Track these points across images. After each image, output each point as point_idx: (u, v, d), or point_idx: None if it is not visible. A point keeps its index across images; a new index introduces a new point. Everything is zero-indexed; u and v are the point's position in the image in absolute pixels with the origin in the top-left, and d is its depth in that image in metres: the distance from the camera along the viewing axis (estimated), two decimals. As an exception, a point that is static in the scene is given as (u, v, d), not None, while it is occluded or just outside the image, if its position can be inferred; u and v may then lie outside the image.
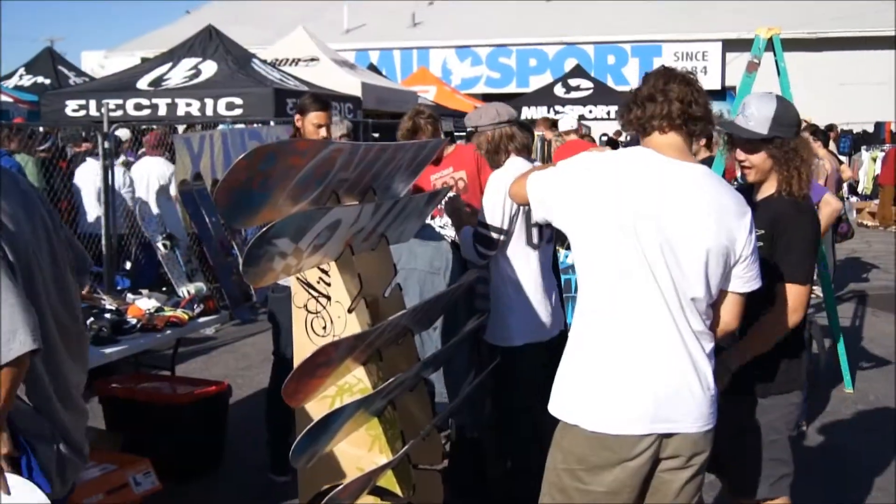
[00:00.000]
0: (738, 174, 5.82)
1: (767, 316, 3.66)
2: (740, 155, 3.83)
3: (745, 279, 3.17)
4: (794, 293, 3.66)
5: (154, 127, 11.76)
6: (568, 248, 3.25)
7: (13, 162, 8.45)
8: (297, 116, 5.58)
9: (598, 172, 3.09)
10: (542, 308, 4.71)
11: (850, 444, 6.39)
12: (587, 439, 3.07)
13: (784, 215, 3.71)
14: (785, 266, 3.66)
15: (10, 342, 2.77)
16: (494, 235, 4.56)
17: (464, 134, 15.17)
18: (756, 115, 3.73)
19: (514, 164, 4.72)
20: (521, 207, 4.52)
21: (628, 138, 16.26)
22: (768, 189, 3.81)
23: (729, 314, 3.24)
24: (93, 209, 9.58)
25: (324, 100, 5.64)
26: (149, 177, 10.59)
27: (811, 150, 3.85)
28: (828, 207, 6.07)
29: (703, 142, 6.76)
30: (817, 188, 6.05)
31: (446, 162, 6.36)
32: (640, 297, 3.00)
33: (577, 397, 3.11)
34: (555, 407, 3.20)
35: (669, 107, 3.08)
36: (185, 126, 12.06)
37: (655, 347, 3.01)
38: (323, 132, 5.48)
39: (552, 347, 4.77)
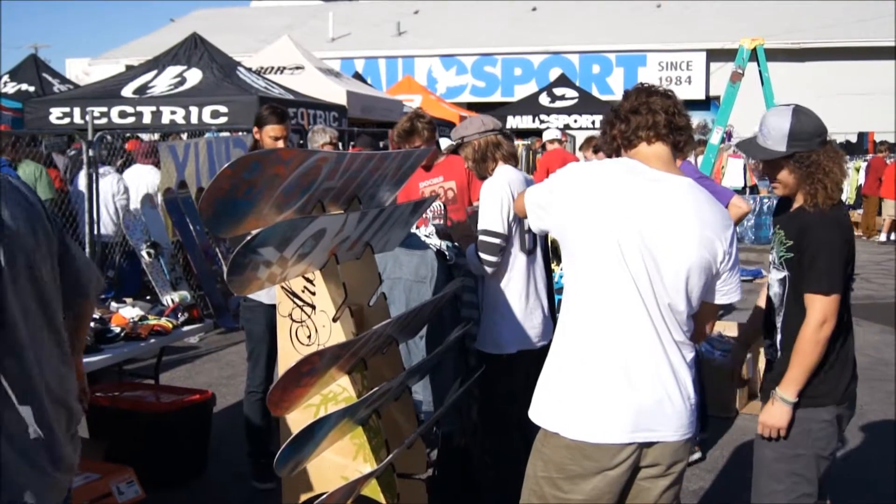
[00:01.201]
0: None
1: (801, 333, 3.57)
2: (770, 175, 3.79)
3: (724, 292, 3.21)
4: (820, 304, 3.54)
5: (137, 135, 11.72)
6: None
7: (12, 173, 8.43)
8: (255, 129, 5.55)
9: (586, 182, 3.11)
10: (534, 315, 4.72)
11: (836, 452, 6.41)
12: (567, 448, 3.08)
13: (808, 227, 3.61)
14: (810, 277, 3.57)
15: None
16: (495, 241, 4.57)
17: (450, 143, 15.25)
18: (772, 133, 3.64)
19: (504, 172, 4.73)
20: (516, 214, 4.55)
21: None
22: (800, 199, 3.71)
23: (706, 324, 3.31)
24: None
25: (281, 112, 5.59)
26: (138, 185, 10.57)
27: (838, 158, 3.69)
28: (735, 210, 5.82)
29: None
30: (725, 192, 5.90)
31: (437, 171, 6.36)
32: (623, 306, 3.02)
33: (557, 405, 3.12)
34: (535, 414, 3.21)
35: (654, 118, 3.12)
36: (165, 133, 12.04)
37: (637, 357, 3.03)
38: (280, 145, 5.44)
39: (543, 357, 4.79)
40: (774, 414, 3.62)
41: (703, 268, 3.06)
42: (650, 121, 3.12)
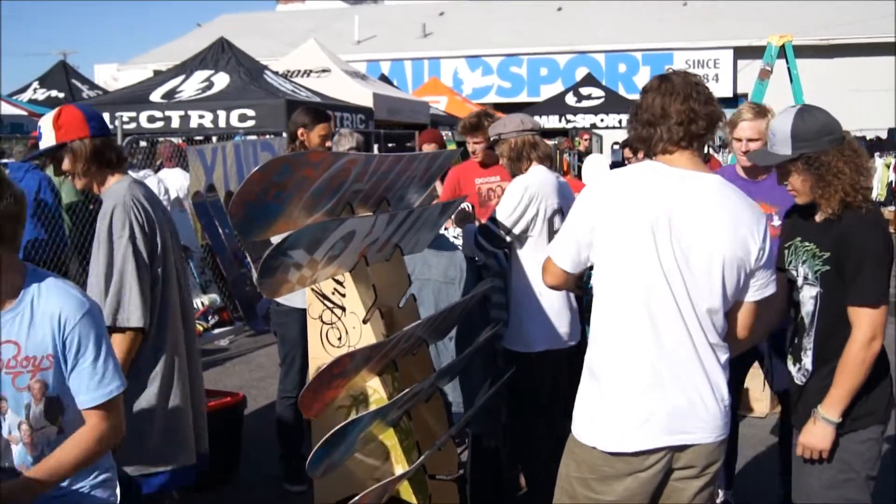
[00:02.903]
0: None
1: (847, 350, 3.32)
2: (781, 181, 3.58)
3: (757, 287, 3.14)
4: (868, 318, 3.30)
5: (171, 139, 11.81)
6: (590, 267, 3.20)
7: (41, 175, 8.52)
8: (300, 131, 5.57)
9: (614, 192, 3.08)
10: (562, 314, 4.72)
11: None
12: (602, 454, 3.07)
13: (848, 234, 3.35)
14: (856, 290, 3.31)
15: (121, 313, 3.60)
16: (500, 232, 4.60)
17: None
18: (777, 136, 3.49)
19: (538, 171, 4.74)
20: (544, 213, 4.58)
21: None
22: (824, 208, 3.46)
23: (741, 324, 3.20)
24: None
25: (324, 111, 5.77)
26: (169, 188, 10.69)
27: (854, 157, 3.43)
28: None
29: None
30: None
31: (495, 170, 6.38)
32: (656, 310, 2.99)
33: (593, 421, 3.10)
34: (574, 427, 3.20)
35: (670, 133, 3.05)
36: (189, 138, 12.10)
37: (671, 360, 3.00)
38: (329, 143, 5.62)
39: (571, 356, 4.78)
40: (817, 434, 3.39)
41: (737, 265, 3.02)
42: (666, 136, 3.06)
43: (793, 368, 3.63)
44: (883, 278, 3.35)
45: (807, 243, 3.52)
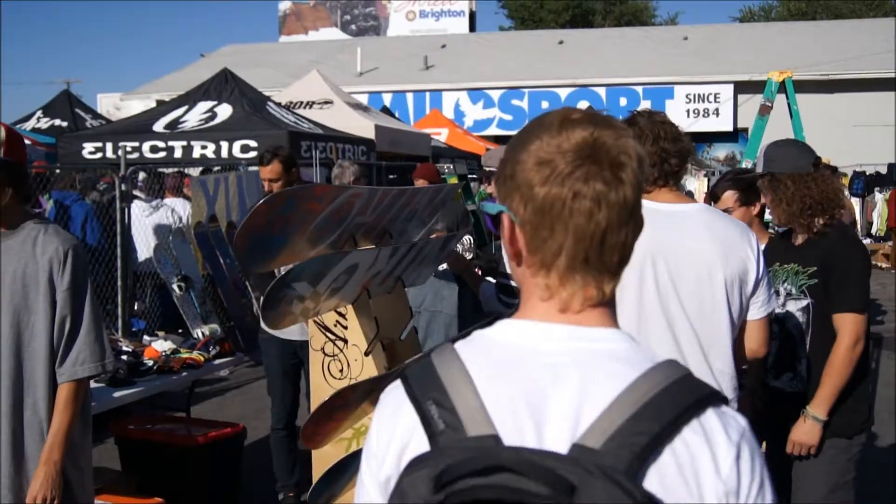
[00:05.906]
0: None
1: (834, 353, 3.66)
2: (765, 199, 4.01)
3: (759, 304, 3.17)
4: (853, 323, 3.65)
5: (173, 170, 11.87)
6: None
7: (87, 206, 8.60)
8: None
9: None
10: None
11: (865, 488, 6.33)
12: None
13: (834, 249, 3.73)
14: (842, 297, 3.68)
15: (107, 357, 3.43)
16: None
17: (476, 176, 15.23)
18: (760, 159, 3.98)
19: None
20: None
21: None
22: (801, 233, 3.87)
23: (754, 342, 3.24)
24: (143, 248, 9.76)
25: (272, 151, 5.50)
26: (181, 216, 10.84)
27: (807, 179, 3.78)
28: None
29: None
30: None
31: None
32: (656, 342, 2.98)
33: None
34: None
35: (646, 175, 3.09)
36: (201, 168, 12.16)
37: None
38: (275, 188, 5.30)
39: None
40: (808, 432, 3.71)
41: (737, 286, 3.03)
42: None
43: (778, 381, 3.91)
44: (865, 288, 3.74)
45: (787, 265, 3.86)
